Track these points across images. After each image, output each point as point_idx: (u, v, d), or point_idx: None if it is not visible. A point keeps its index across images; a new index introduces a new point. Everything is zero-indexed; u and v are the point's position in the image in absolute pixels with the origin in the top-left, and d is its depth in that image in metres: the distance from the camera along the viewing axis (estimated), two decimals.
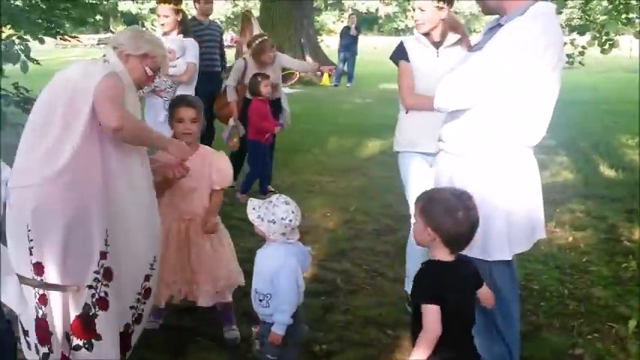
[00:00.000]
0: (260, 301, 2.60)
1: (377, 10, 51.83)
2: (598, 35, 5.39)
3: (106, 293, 2.64)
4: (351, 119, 10.90)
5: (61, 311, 2.60)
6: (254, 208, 2.61)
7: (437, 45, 3.47)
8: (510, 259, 2.58)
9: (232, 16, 48.88)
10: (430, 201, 2.25)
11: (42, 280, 2.56)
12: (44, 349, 2.64)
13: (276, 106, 6.09)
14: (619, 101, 12.81)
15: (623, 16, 5.21)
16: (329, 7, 51.46)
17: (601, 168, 7.09)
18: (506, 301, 2.62)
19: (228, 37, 35.18)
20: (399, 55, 3.52)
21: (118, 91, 2.57)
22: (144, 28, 2.99)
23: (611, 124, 10.10)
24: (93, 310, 2.62)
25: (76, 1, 6.18)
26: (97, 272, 2.60)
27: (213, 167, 3.18)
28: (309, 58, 17.46)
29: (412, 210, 2.72)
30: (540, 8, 2.48)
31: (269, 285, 2.57)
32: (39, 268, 2.56)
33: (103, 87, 2.53)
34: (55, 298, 2.60)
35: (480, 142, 2.51)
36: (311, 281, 3.70)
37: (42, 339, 2.63)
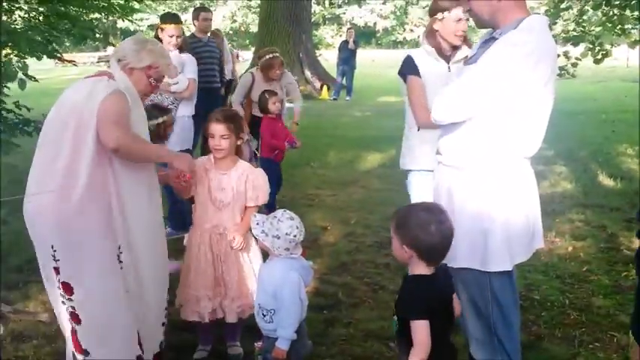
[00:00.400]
0: (264, 316, 2.62)
1: (375, 24, 52.04)
2: (592, 46, 5.44)
3: None
4: (350, 132, 10.94)
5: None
6: (258, 223, 2.64)
7: (447, 59, 3.37)
8: (510, 269, 2.58)
9: (231, 32, 49.15)
10: (402, 218, 2.27)
11: (70, 298, 2.63)
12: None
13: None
14: (617, 110, 12.85)
15: (618, 27, 5.27)
16: (327, 22, 51.73)
17: (600, 177, 7.12)
18: (507, 312, 2.62)
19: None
20: (409, 69, 3.35)
21: (119, 109, 2.64)
22: (146, 37, 3.05)
23: (610, 133, 10.12)
24: None
25: (76, 20, 6.23)
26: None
27: (250, 184, 3.14)
28: (307, 72, 17.59)
29: None
30: (533, 21, 2.50)
31: (272, 300, 2.59)
32: (67, 287, 2.62)
33: (104, 107, 2.61)
34: None
35: (477, 154, 2.52)
36: (313, 295, 3.71)
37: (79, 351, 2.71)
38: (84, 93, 2.68)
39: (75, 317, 2.66)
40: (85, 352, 2.68)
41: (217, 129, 3.11)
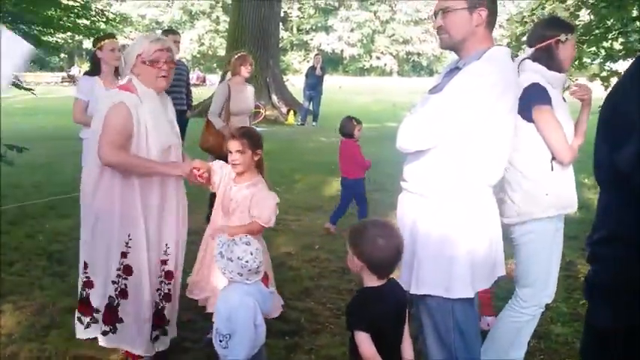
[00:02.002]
0: (220, 341, 2.59)
1: (342, 51, 52.66)
2: None
3: (125, 286, 3.20)
4: (316, 157, 10.97)
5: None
6: (219, 244, 2.62)
7: None
8: (473, 296, 2.61)
9: (199, 55, 49.15)
10: (356, 232, 2.42)
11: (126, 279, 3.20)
12: (106, 328, 3.25)
13: None
14: None
15: (577, 61, 5.44)
16: (295, 48, 52.17)
17: None
18: (469, 338, 2.64)
19: (194, 75, 35.38)
20: (544, 98, 3.00)
21: (114, 125, 3.04)
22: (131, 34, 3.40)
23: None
24: (116, 301, 3.21)
25: (41, 40, 6.17)
26: (118, 269, 3.18)
27: (254, 201, 3.24)
28: (274, 97, 17.65)
29: None
30: (496, 52, 2.56)
31: (228, 325, 2.56)
32: (128, 269, 3.18)
33: (104, 124, 3.06)
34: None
35: (441, 182, 2.55)
36: (274, 321, 3.68)
37: (108, 321, 3.25)
38: (104, 105, 3.14)
39: (124, 294, 3.19)
40: (120, 320, 3.22)
41: (233, 145, 3.26)
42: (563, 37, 3.06)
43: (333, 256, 5.35)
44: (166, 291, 3.34)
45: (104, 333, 3.25)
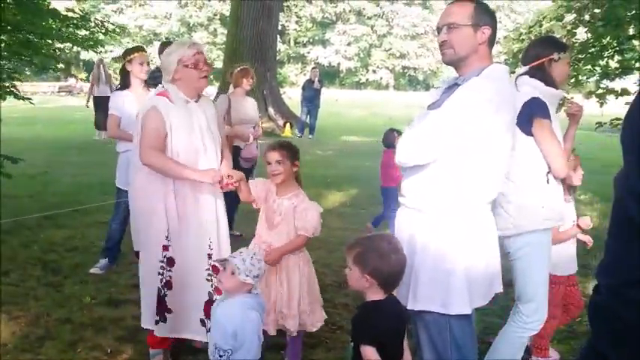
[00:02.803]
0: (220, 357, 2.58)
1: (339, 64, 52.84)
2: None
3: (170, 277, 3.35)
4: (312, 170, 10.95)
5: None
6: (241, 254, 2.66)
7: None
8: (470, 312, 2.61)
9: None
10: (364, 249, 2.41)
11: (170, 271, 3.35)
12: (157, 317, 3.41)
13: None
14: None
15: (573, 78, 5.49)
16: (292, 60, 52.32)
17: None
18: (465, 355, 2.64)
19: None
20: (545, 111, 3.06)
21: (147, 128, 3.28)
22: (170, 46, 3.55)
23: None
24: (163, 291, 3.37)
25: (39, 50, 6.18)
26: (161, 261, 3.34)
27: (299, 213, 3.38)
28: (271, 110, 17.67)
29: None
30: (494, 70, 2.60)
31: (231, 340, 2.55)
32: (170, 261, 3.34)
33: (142, 127, 3.30)
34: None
35: (438, 197, 2.56)
36: (271, 335, 3.67)
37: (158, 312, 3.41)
38: (143, 110, 3.37)
39: (169, 284, 3.35)
40: (169, 310, 3.37)
41: (272, 156, 3.39)
42: (556, 55, 3.13)
43: (328, 270, 5.34)
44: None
45: (156, 322, 3.41)
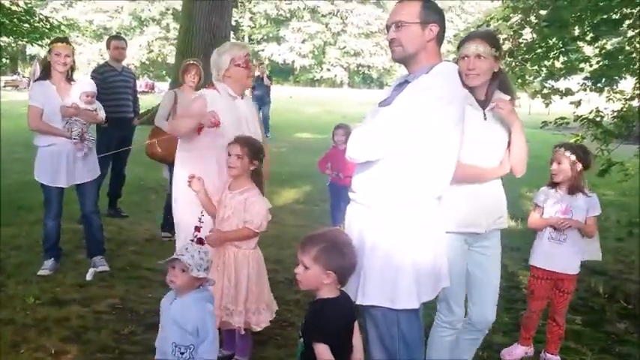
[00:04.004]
0: (182, 354, 2.57)
1: (293, 61, 52.83)
2: None
3: None
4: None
5: None
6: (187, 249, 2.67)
7: (483, 105, 3.04)
8: (417, 307, 2.63)
9: (148, 62, 48.46)
10: (327, 246, 2.40)
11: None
12: None
13: None
14: None
15: (519, 78, 5.62)
16: None
17: None
18: (413, 349, 2.67)
19: (143, 82, 34.83)
20: None
21: (188, 106, 3.87)
22: (221, 47, 3.86)
23: (512, 176, 10.59)
24: None
25: None
26: (192, 241, 3.28)
27: (248, 207, 3.40)
28: None
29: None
30: (444, 67, 2.63)
31: (191, 337, 2.57)
32: (200, 242, 3.33)
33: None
34: None
35: (387, 193, 2.58)
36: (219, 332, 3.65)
37: None
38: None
39: None
40: None
41: (233, 148, 3.41)
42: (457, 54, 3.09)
43: (280, 266, 5.33)
44: None
45: None
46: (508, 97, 3.05)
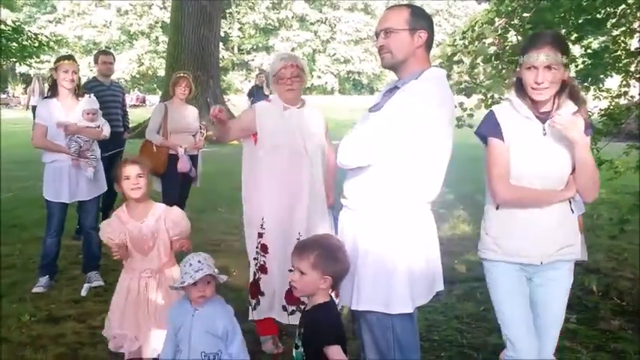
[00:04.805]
0: None
1: None
2: (484, 98, 5.78)
3: (264, 262, 3.68)
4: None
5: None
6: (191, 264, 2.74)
7: (543, 118, 2.67)
8: (412, 311, 2.65)
9: (138, 76, 48.41)
10: (324, 252, 2.47)
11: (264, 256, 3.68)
12: (254, 301, 3.75)
13: (194, 161, 6.19)
14: None
15: (506, 80, 5.64)
16: (236, 67, 52.03)
17: None
18: (408, 353, 2.68)
19: (134, 96, 34.76)
20: (489, 129, 2.71)
21: (239, 118, 3.96)
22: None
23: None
24: (257, 275, 3.69)
25: None
26: (257, 247, 3.67)
27: (168, 220, 3.35)
28: None
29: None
30: (433, 73, 2.67)
31: (220, 341, 2.70)
32: (264, 247, 3.68)
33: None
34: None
35: (379, 198, 2.60)
36: None
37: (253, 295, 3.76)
38: None
39: (263, 269, 3.68)
40: (262, 293, 3.69)
41: (133, 169, 3.30)
42: (520, 59, 2.65)
43: None
44: None
45: (254, 307, 3.73)
46: (574, 109, 2.63)
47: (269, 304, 3.73)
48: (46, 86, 14.12)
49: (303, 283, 2.47)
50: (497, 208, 2.74)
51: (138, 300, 3.29)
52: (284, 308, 3.69)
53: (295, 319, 3.53)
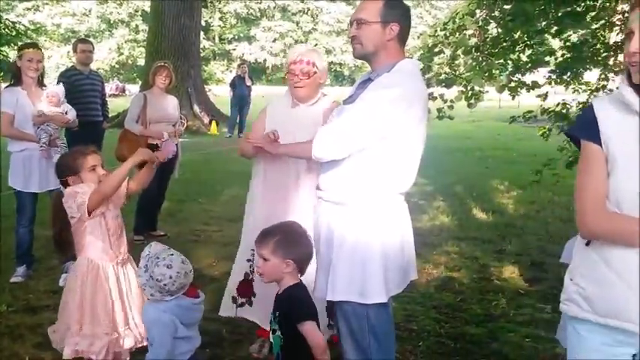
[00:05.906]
0: None
1: (265, 60, 52.65)
2: (464, 90, 5.82)
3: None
4: (238, 168, 10.83)
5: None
6: (145, 256, 2.60)
7: None
8: (386, 301, 2.68)
9: (118, 65, 47.91)
10: (283, 237, 2.53)
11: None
12: (242, 300, 3.61)
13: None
14: (491, 148, 13.74)
15: (487, 72, 5.69)
16: (217, 57, 51.69)
17: (474, 211, 7.50)
18: (384, 343, 2.72)
19: (113, 85, 34.40)
20: (583, 129, 1.86)
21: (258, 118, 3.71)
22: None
23: (484, 169, 10.80)
24: (251, 276, 3.55)
25: None
26: (252, 249, 3.37)
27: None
28: (196, 107, 17.42)
29: None
30: (406, 65, 2.67)
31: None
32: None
33: None
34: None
35: (355, 190, 2.62)
36: None
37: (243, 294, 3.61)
38: None
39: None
40: (254, 294, 3.55)
41: (97, 158, 3.30)
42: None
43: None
44: None
45: (241, 305, 3.60)
46: None
47: (260, 307, 3.53)
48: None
49: (267, 269, 2.53)
50: (587, 244, 1.85)
51: (119, 290, 3.20)
52: (233, 300, 3.62)
53: (243, 312, 3.61)
